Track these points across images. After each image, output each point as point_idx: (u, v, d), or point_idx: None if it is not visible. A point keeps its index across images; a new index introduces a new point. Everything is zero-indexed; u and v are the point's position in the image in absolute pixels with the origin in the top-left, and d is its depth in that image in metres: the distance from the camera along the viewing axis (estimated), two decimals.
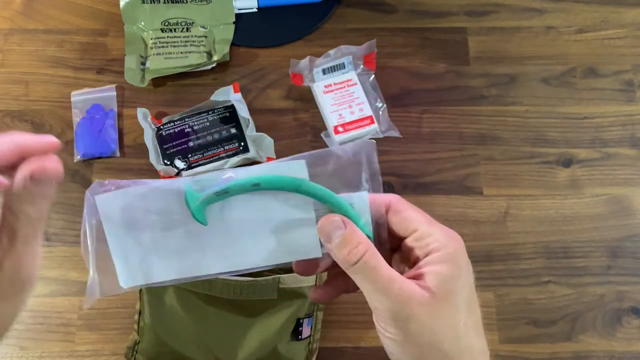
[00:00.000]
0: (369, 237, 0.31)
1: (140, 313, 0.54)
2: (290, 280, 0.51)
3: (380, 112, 0.64)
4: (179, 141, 0.62)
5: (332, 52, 0.64)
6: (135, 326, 0.54)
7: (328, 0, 0.70)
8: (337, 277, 0.35)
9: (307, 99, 0.66)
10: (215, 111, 0.63)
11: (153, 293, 0.53)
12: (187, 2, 0.69)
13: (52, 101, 0.65)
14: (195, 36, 0.68)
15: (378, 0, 0.70)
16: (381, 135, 0.63)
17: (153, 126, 0.63)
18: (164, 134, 0.62)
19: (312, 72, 0.65)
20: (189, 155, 0.61)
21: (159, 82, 0.66)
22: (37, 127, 0.64)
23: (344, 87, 0.64)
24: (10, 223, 0.32)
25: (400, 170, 0.63)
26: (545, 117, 0.65)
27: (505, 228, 0.61)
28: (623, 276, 0.60)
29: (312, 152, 0.31)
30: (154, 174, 0.62)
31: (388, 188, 0.62)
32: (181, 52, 0.67)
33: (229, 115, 0.63)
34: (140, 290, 0.53)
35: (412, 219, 0.31)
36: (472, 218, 0.61)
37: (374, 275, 0.29)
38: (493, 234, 0.61)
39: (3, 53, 0.67)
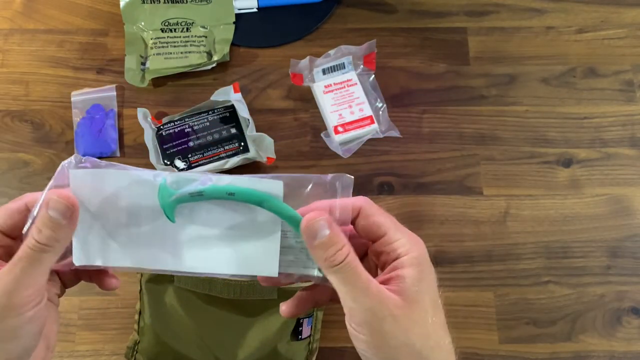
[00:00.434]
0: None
1: (140, 313, 0.54)
2: None
3: (380, 112, 0.64)
4: (179, 141, 0.62)
5: (332, 52, 0.64)
6: (135, 326, 0.54)
7: (328, 0, 0.70)
8: (305, 291, 0.37)
9: (307, 99, 0.66)
10: (215, 111, 0.63)
11: (153, 293, 0.53)
12: (187, 2, 0.69)
13: (52, 101, 0.65)
14: (195, 36, 0.68)
15: (378, 0, 0.70)
16: (381, 135, 0.63)
17: (153, 126, 0.63)
18: (164, 134, 0.62)
19: (312, 72, 0.65)
20: (189, 155, 0.61)
21: (159, 82, 0.66)
22: (37, 127, 0.64)
23: (344, 87, 0.64)
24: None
25: (400, 170, 0.63)
26: (545, 117, 0.65)
27: (505, 228, 0.61)
28: (623, 276, 0.60)
29: (292, 175, 0.33)
30: None
31: (388, 188, 0.62)
32: (181, 52, 0.67)
33: (229, 115, 0.63)
34: (140, 290, 0.54)
35: (380, 224, 0.32)
36: (472, 218, 0.61)
37: (354, 276, 0.30)
38: (493, 234, 0.61)
39: (3, 53, 0.67)
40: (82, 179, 0.32)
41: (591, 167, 0.64)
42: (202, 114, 0.63)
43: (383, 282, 0.31)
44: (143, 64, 0.67)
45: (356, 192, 0.32)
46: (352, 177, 0.33)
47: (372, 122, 0.63)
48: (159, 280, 0.53)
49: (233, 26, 0.68)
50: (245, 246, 0.33)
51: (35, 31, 0.68)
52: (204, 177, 0.32)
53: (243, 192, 0.32)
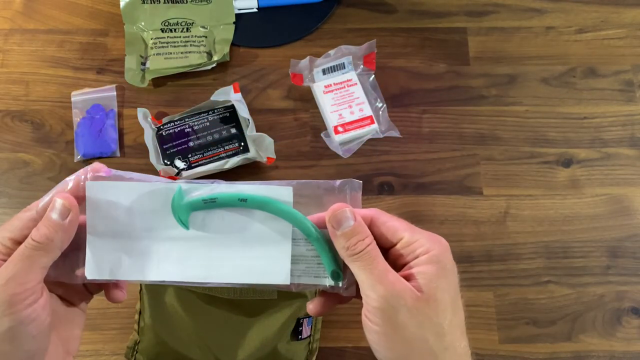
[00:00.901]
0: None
1: (140, 313, 0.54)
2: None
3: (380, 112, 0.64)
4: (179, 141, 0.62)
5: (332, 52, 0.64)
6: (136, 326, 0.54)
7: (328, 0, 0.70)
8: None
9: (307, 99, 0.66)
10: (215, 111, 0.63)
11: (153, 293, 0.53)
12: (187, 2, 0.69)
13: (52, 101, 0.65)
14: (195, 36, 0.68)
15: (378, 0, 0.70)
16: (381, 135, 0.63)
17: (153, 126, 0.63)
18: (164, 134, 0.62)
19: (312, 72, 0.65)
20: (189, 155, 0.61)
21: (159, 82, 0.66)
22: (37, 127, 0.64)
23: (344, 87, 0.64)
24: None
25: (400, 170, 0.63)
26: (545, 117, 0.65)
27: (505, 228, 0.61)
28: (623, 276, 0.60)
29: (300, 181, 0.34)
30: (154, 174, 0.61)
31: (388, 188, 0.62)
32: (181, 52, 0.67)
33: (229, 115, 0.63)
34: (141, 290, 0.54)
35: (396, 229, 0.33)
36: (472, 218, 0.61)
37: (373, 263, 0.31)
38: (493, 234, 0.61)
39: (3, 53, 0.67)
40: (97, 190, 0.32)
41: (591, 167, 0.64)
42: (202, 114, 0.63)
43: (403, 278, 0.31)
44: (143, 64, 0.67)
45: None
46: (361, 182, 0.34)
47: (372, 122, 0.63)
48: None
49: (233, 26, 0.69)
50: (257, 256, 0.34)
51: (36, 31, 0.68)
52: (215, 184, 0.33)
53: (254, 198, 0.33)
